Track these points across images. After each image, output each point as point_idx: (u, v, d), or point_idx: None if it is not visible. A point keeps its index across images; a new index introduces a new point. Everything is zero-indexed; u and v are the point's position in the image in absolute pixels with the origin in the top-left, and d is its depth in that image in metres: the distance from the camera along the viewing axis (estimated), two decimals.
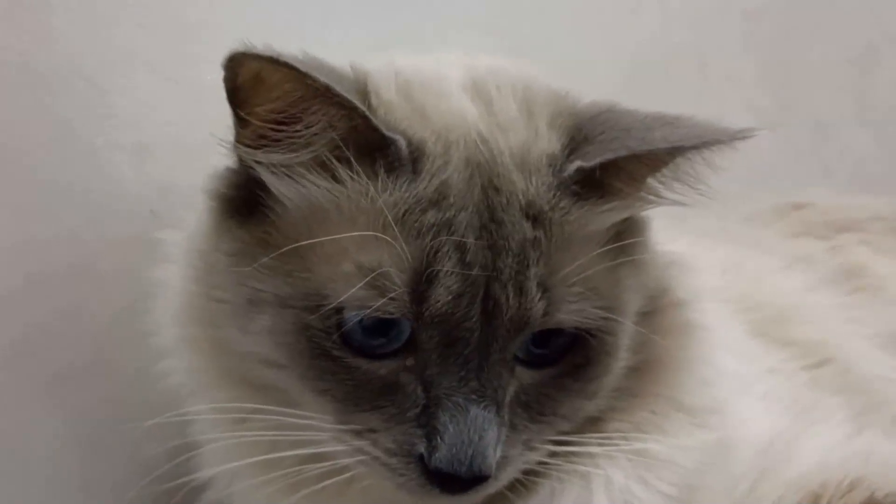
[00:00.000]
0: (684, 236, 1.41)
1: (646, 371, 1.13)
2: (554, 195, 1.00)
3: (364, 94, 1.01)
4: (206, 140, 1.20)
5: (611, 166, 1.00)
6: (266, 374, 1.05)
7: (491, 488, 1.02)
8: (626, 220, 1.08)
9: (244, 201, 1.06)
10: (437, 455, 0.96)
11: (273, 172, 1.02)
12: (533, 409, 1.03)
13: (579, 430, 1.08)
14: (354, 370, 0.99)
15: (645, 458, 1.09)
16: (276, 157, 1.00)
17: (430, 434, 0.97)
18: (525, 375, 1.02)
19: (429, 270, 0.95)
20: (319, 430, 1.02)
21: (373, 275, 0.95)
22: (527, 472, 1.06)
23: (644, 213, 1.13)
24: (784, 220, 1.78)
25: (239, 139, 1.02)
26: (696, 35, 2.12)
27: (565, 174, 1.01)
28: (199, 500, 1.22)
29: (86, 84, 1.37)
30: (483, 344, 0.98)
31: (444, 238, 0.96)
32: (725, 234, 1.63)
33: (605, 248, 1.04)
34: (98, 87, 1.38)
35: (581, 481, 1.08)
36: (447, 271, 0.96)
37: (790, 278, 1.52)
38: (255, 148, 1.01)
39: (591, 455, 1.07)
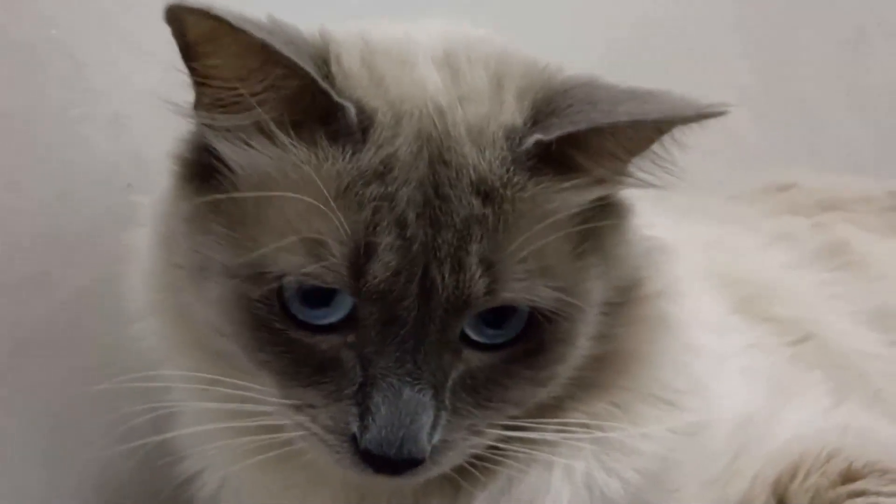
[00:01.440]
0: (666, 214, 1.43)
1: (611, 362, 1.12)
2: (508, 170, 0.98)
3: (324, 59, 1.01)
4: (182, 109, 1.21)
5: (573, 140, 0.98)
6: (219, 343, 1.06)
7: (430, 472, 1.02)
8: (599, 203, 1.06)
9: (202, 167, 1.06)
10: (367, 436, 0.96)
11: (222, 137, 1.02)
12: (480, 394, 1.02)
13: (535, 415, 1.06)
14: (295, 343, 1.00)
15: (607, 446, 1.09)
16: (223, 120, 1.01)
17: (364, 414, 0.97)
18: (474, 358, 1.01)
19: (367, 245, 0.95)
20: (264, 402, 1.03)
21: (311, 245, 0.95)
22: (479, 458, 1.06)
23: (624, 198, 1.10)
24: (769, 199, 1.81)
25: (195, 102, 1.03)
26: (683, 13, 2.14)
27: (523, 147, 0.99)
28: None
29: (61, 55, 1.37)
30: (421, 325, 0.96)
31: (385, 213, 0.96)
32: (708, 211, 1.65)
33: (569, 230, 1.02)
34: (74, 59, 1.38)
35: (540, 469, 1.08)
36: (386, 246, 0.95)
37: (772, 255, 1.55)
38: (206, 110, 1.02)
39: (548, 442, 1.06)
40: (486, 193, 0.97)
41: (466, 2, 1.78)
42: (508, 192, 0.98)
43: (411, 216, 0.96)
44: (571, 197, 1.01)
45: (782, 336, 1.37)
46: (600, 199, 1.05)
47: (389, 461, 0.96)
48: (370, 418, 0.96)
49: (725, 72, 2.28)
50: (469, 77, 1.06)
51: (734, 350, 1.30)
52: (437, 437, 0.98)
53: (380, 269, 0.95)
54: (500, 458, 1.06)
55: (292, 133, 0.98)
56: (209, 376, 1.07)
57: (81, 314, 1.40)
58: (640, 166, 1.03)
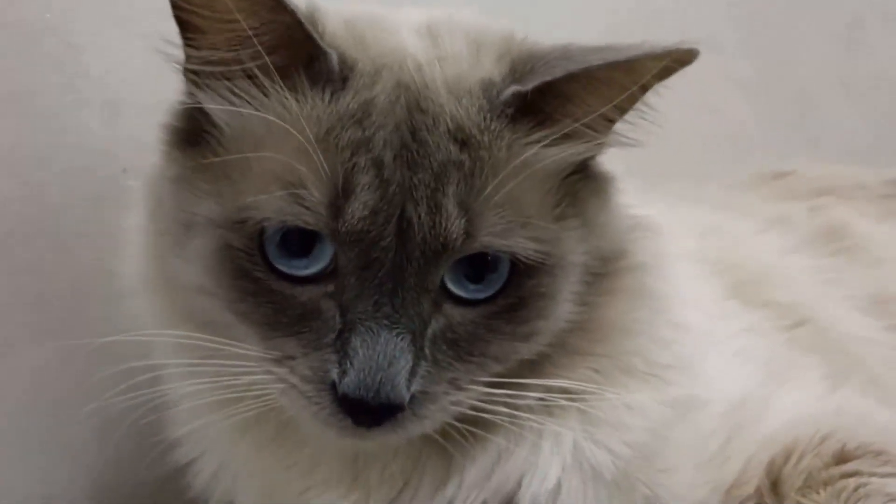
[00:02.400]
0: (661, 199, 1.44)
1: (592, 330, 1.13)
2: (485, 118, 1.02)
3: (310, 19, 1.03)
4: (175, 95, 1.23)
5: (550, 92, 1.01)
6: (203, 305, 1.08)
7: (412, 426, 1.02)
8: (582, 170, 1.10)
9: (189, 132, 1.10)
10: (345, 380, 0.98)
11: (210, 91, 1.06)
12: (461, 347, 1.04)
13: (518, 375, 1.08)
14: (276, 294, 1.02)
15: (594, 419, 1.12)
16: (212, 69, 1.05)
17: (342, 360, 0.99)
18: (455, 313, 1.03)
19: (346, 185, 0.98)
20: (247, 358, 1.04)
21: (292, 188, 0.99)
22: (465, 421, 1.08)
23: (607, 170, 1.14)
24: (765, 186, 1.82)
25: (185, 60, 1.08)
26: (679, 3, 2.15)
27: (500, 98, 1.03)
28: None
29: (55, 40, 1.39)
30: (399, 268, 0.99)
31: (363, 154, 0.99)
32: (703, 197, 1.67)
33: (550, 186, 1.07)
34: (68, 43, 1.40)
35: (529, 444, 1.11)
36: (364, 185, 0.98)
37: (768, 240, 1.56)
38: (196, 64, 1.06)
39: (531, 407, 1.09)
40: (462, 140, 1.01)
41: None
42: (486, 140, 1.02)
43: (388, 157, 1.00)
44: (550, 150, 1.04)
45: (778, 321, 1.38)
46: (583, 164, 1.10)
47: (367, 408, 0.98)
48: (348, 363, 0.98)
49: (723, 61, 2.27)
50: (448, 42, 1.11)
51: (729, 333, 1.31)
52: (416, 386, 1.00)
53: (358, 208, 0.98)
54: (486, 421, 1.08)
55: (276, 78, 1.01)
56: (197, 343, 1.08)
57: (77, 299, 1.42)
58: (614, 114, 1.06)
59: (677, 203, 1.52)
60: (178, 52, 1.07)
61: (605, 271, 1.13)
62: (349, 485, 1.15)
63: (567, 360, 1.13)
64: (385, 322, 0.99)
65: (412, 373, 1.00)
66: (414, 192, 0.99)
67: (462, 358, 1.04)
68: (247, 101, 1.03)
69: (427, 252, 0.99)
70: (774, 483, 1.17)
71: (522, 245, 1.03)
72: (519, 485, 1.12)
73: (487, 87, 1.04)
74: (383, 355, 0.98)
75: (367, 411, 0.98)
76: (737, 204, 1.69)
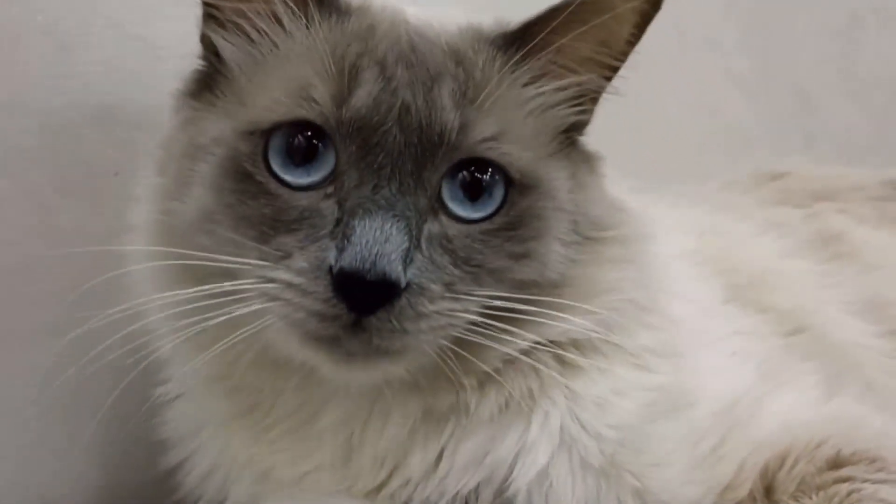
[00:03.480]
0: (661, 199, 1.51)
1: (579, 286, 1.17)
2: (478, 45, 1.15)
3: None
4: (170, 97, 1.24)
5: (531, 33, 1.14)
6: (201, 239, 1.11)
7: (409, 326, 1.04)
8: (570, 131, 1.21)
9: (201, 82, 1.20)
10: (344, 256, 1.02)
11: (227, 31, 1.17)
12: (458, 255, 1.09)
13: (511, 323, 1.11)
14: (276, 197, 1.08)
15: (580, 398, 1.17)
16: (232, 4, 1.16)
17: (340, 242, 1.04)
18: (452, 227, 1.10)
19: (350, 80, 1.09)
20: (243, 268, 1.07)
21: (300, 90, 1.09)
22: (457, 356, 1.11)
23: (595, 150, 1.24)
24: (762, 188, 1.84)
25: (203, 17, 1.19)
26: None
27: (492, 35, 1.16)
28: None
29: (46, 40, 1.40)
30: (398, 153, 1.07)
31: (367, 57, 1.11)
32: (701, 198, 1.69)
33: (542, 125, 1.17)
34: (59, 44, 1.41)
35: (519, 423, 1.16)
36: (367, 78, 1.09)
37: (766, 243, 1.59)
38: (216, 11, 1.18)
39: (523, 352, 1.14)
40: (457, 59, 1.14)
41: None
42: (479, 61, 1.14)
43: (391, 59, 1.12)
44: (539, 83, 1.16)
45: (777, 326, 1.41)
46: (572, 129, 1.21)
47: (364, 283, 1.01)
48: (346, 241, 1.03)
49: (719, 58, 2.30)
50: (446, 18, 1.22)
51: (725, 334, 1.34)
52: (412, 272, 1.05)
53: (362, 96, 1.09)
54: (476, 366, 1.13)
55: (291, 11, 1.13)
56: (188, 296, 1.10)
57: (71, 303, 1.42)
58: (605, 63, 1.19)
59: (676, 203, 1.56)
60: None
61: (593, 236, 1.20)
62: (341, 469, 1.19)
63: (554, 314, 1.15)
64: (383, 203, 1.05)
65: (408, 256, 1.05)
66: (414, 88, 1.10)
67: (458, 265, 1.09)
68: (263, 33, 1.15)
69: (424, 140, 1.08)
70: (768, 488, 1.19)
71: (515, 155, 1.13)
72: (511, 469, 1.15)
73: (478, 28, 1.18)
74: (380, 232, 1.03)
75: (364, 288, 1.01)
76: (735, 205, 1.71)
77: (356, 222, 1.03)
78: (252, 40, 1.16)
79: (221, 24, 1.18)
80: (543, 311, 1.12)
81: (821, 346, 1.42)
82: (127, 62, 1.46)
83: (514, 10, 1.20)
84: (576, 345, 1.18)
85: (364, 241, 1.02)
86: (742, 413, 1.23)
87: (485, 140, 1.11)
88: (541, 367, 1.15)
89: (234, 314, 1.06)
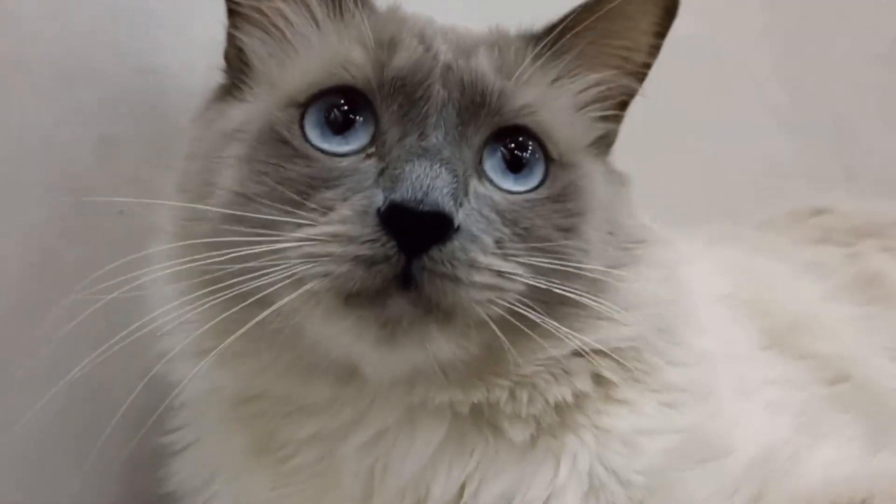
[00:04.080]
0: (696, 240, 1.49)
1: (618, 295, 1.16)
2: (508, 39, 1.20)
3: None
4: (175, 131, 1.20)
5: (558, 35, 1.18)
6: (235, 230, 1.07)
7: (459, 268, 1.02)
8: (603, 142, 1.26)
9: (223, 90, 1.23)
10: (395, 192, 1.01)
11: (251, 25, 1.21)
12: (506, 217, 1.09)
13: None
14: (314, 160, 1.09)
15: (610, 433, 1.15)
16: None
17: (387, 185, 1.03)
18: (496, 193, 1.10)
19: (390, 44, 1.13)
20: (281, 237, 1.04)
21: (336, 55, 1.13)
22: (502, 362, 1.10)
23: (623, 171, 1.28)
24: (801, 226, 1.80)
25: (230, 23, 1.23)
26: (708, 26, 2.10)
27: (518, 35, 1.21)
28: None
29: (48, 71, 1.37)
30: (442, 105, 1.09)
31: (405, 29, 1.16)
32: (737, 238, 1.66)
33: (575, 120, 1.22)
34: (61, 76, 1.38)
35: (547, 463, 1.13)
36: (406, 44, 1.13)
37: (805, 286, 1.55)
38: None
39: (557, 381, 1.14)
40: (491, 43, 1.19)
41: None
42: (511, 50, 1.18)
43: (428, 33, 1.18)
44: (570, 79, 1.21)
45: (816, 373, 1.37)
46: (602, 140, 1.26)
47: (416, 218, 0.99)
48: (393, 182, 1.02)
49: (756, 88, 2.27)
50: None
51: (762, 382, 1.30)
52: (462, 215, 1.03)
53: (403, 57, 1.12)
54: (522, 350, 1.10)
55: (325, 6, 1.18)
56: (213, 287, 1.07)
57: (72, 344, 1.38)
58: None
59: (712, 244, 1.54)
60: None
61: (628, 247, 1.21)
62: None
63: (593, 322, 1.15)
64: (430, 148, 1.06)
65: (457, 199, 1.03)
66: (453, 53, 1.15)
67: (507, 224, 1.08)
68: (294, 25, 1.19)
69: (466, 98, 1.11)
70: None
71: (554, 128, 1.16)
72: None
73: (505, 29, 1.24)
74: (430, 169, 1.02)
75: (416, 221, 1.00)
76: (773, 245, 1.68)
77: (403, 165, 1.03)
78: (282, 32, 1.19)
79: (247, 20, 1.21)
80: (585, 311, 1.12)
81: (863, 395, 1.37)
82: (131, 94, 1.43)
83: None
84: (613, 356, 1.16)
85: (415, 176, 1.01)
86: (780, 465, 1.19)
87: (525, 107, 1.14)
88: (577, 377, 1.14)
89: (268, 278, 1.03)
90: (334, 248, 1.01)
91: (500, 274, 1.04)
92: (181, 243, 1.12)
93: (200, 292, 1.09)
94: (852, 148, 2.38)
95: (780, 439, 1.21)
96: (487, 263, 1.03)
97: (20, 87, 1.34)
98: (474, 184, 1.09)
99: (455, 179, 1.03)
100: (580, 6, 1.18)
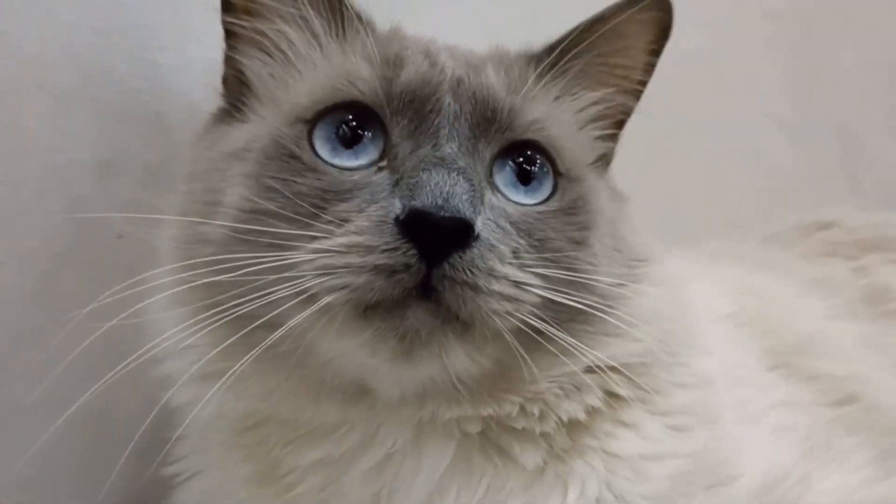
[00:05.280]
0: (698, 259, 1.48)
1: (627, 310, 1.16)
2: (510, 59, 1.22)
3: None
4: (175, 154, 1.19)
5: (557, 54, 1.19)
6: (242, 249, 1.06)
7: (479, 276, 1.01)
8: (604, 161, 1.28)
9: (224, 113, 1.23)
10: (415, 200, 1.01)
11: (251, 47, 1.21)
12: (520, 228, 1.09)
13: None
14: (324, 173, 1.08)
15: (617, 457, 1.14)
16: (271, 26, 1.20)
17: (405, 194, 1.03)
18: (509, 205, 1.11)
19: (396, 61, 1.13)
20: (293, 252, 1.03)
21: (345, 74, 1.13)
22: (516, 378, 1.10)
23: (622, 190, 1.29)
24: (807, 240, 1.78)
25: (228, 45, 1.23)
26: (711, 38, 2.10)
27: (519, 54, 1.23)
28: None
29: (45, 95, 1.36)
30: (454, 117, 1.10)
31: (410, 46, 1.18)
32: (740, 255, 1.64)
33: (579, 139, 1.23)
34: (58, 99, 1.37)
35: (556, 491, 1.12)
36: (413, 60, 1.15)
37: (811, 303, 1.53)
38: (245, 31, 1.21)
39: (568, 397, 1.13)
40: (495, 61, 1.20)
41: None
42: (514, 68, 1.19)
43: (433, 49, 1.20)
44: (571, 98, 1.22)
45: (824, 395, 1.35)
46: (601, 159, 1.27)
47: (437, 224, 0.99)
48: (411, 190, 1.02)
49: (760, 99, 2.25)
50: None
51: (767, 405, 1.29)
52: (480, 223, 1.03)
53: (411, 72, 1.13)
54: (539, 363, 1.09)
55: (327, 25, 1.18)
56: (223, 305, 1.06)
57: (72, 368, 1.38)
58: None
59: (715, 263, 1.53)
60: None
61: (632, 263, 1.21)
62: None
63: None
64: (445, 157, 1.06)
65: (475, 206, 1.04)
66: (461, 69, 1.16)
67: (522, 235, 1.09)
68: (295, 45, 1.19)
69: (477, 112, 1.12)
70: None
71: (562, 142, 1.17)
72: None
73: (505, 49, 1.25)
74: (447, 177, 1.03)
75: (436, 228, 1.00)
76: (777, 262, 1.66)
77: (420, 174, 1.03)
78: (284, 53, 1.19)
79: (248, 42, 1.21)
80: (594, 326, 1.12)
81: (872, 417, 1.35)
82: (130, 116, 1.42)
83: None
84: (623, 372, 1.15)
85: (433, 183, 1.01)
86: (788, 492, 1.18)
87: (534, 122, 1.15)
88: (588, 393, 1.14)
89: (280, 295, 1.02)
90: (352, 259, 1.00)
91: (516, 284, 1.04)
92: (182, 263, 1.11)
93: (204, 315, 1.07)
94: (857, 158, 2.37)
95: (788, 465, 1.20)
96: (505, 273, 1.03)
97: (18, 110, 1.34)
98: (488, 195, 1.09)
99: (472, 188, 1.04)
100: (579, 26, 1.20)
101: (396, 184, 1.05)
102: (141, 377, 1.11)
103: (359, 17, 1.18)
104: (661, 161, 1.55)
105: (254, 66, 1.21)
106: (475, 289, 1.01)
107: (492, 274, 1.02)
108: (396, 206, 1.02)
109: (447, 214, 0.99)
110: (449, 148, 1.07)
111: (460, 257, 1.00)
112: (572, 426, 1.14)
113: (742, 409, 1.25)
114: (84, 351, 1.31)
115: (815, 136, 2.31)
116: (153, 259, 1.19)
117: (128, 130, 1.42)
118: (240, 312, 1.03)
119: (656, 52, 1.26)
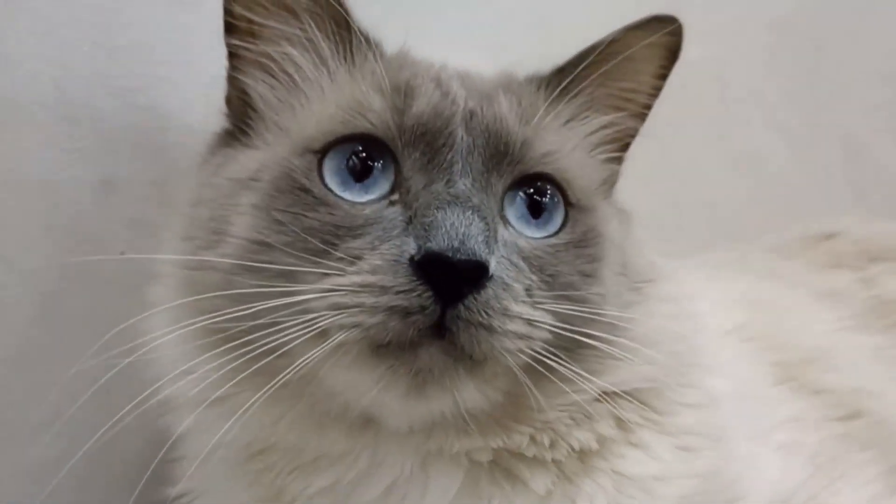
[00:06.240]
0: (703, 270, 1.47)
1: (634, 334, 1.15)
2: (519, 84, 1.21)
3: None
4: (177, 171, 1.19)
5: (562, 76, 1.19)
6: (248, 281, 1.05)
7: (493, 316, 1.01)
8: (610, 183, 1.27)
9: (229, 136, 1.21)
10: (430, 242, 0.99)
11: (260, 71, 1.19)
12: (532, 263, 1.08)
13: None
14: (336, 207, 1.06)
15: (627, 478, 1.13)
16: (278, 49, 1.18)
17: (420, 234, 1.01)
18: (521, 239, 1.10)
19: (407, 91, 1.12)
20: (303, 288, 1.02)
21: (355, 105, 1.11)
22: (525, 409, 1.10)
23: (627, 208, 1.28)
24: (812, 251, 1.76)
25: (232, 63, 1.21)
26: (714, 48, 2.09)
27: (527, 78, 1.23)
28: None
29: (48, 112, 1.36)
30: (467, 151, 1.09)
31: (421, 73, 1.17)
32: (746, 266, 1.64)
33: (590, 164, 1.22)
34: (60, 117, 1.37)
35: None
36: (424, 90, 1.13)
37: (818, 316, 1.52)
38: (249, 51, 1.19)
39: (578, 425, 1.12)
40: (505, 87, 1.19)
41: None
42: (524, 92, 1.19)
43: (444, 77, 1.18)
44: (581, 121, 1.22)
45: (831, 410, 1.34)
46: (608, 181, 1.26)
47: (453, 267, 0.98)
48: (426, 230, 1.01)
49: (763, 111, 2.25)
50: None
51: (775, 422, 1.28)
52: (494, 264, 1.02)
53: (422, 104, 1.11)
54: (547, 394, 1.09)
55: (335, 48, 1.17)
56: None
57: (80, 389, 1.37)
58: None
59: (720, 275, 1.52)
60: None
61: (639, 286, 1.21)
62: None
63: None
64: (459, 195, 1.05)
65: (490, 246, 1.03)
66: (473, 98, 1.14)
67: (534, 272, 1.08)
68: (302, 69, 1.17)
69: (490, 146, 1.10)
70: None
71: (572, 173, 1.16)
72: None
73: (513, 73, 1.25)
74: (462, 217, 1.02)
75: (452, 270, 0.99)
76: (783, 273, 1.65)
77: (435, 213, 1.02)
78: (291, 77, 1.18)
79: (254, 65, 1.19)
80: (602, 353, 1.10)
81: (880, 431, 1.34)
82: (132, 134, 1.42)
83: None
84: (633, 397, 1.16)
85: (449, 224, 1.00)
86: None
87: (547, 154, 1.14)
88: (599, 421, 1.14)
89: (291, 332, 1.00)
90: (365, 299, 0.99)
91: (529, 322, 1.04)
92: (189, 299, 1.09)
93: (213, 352, 1.06)
94: (862, 167, 2.35)
95: (796, 482, 1.20)
96: (519, 312, 1.03)
97: (19, 128, 1.34)
98: (501, 230, 1.08)
99: (486, 227, 1.03)
100: (589, 49, 1.19)
101: (410, 221, 1.04)
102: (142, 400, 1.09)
103: (367, 40, 1.16)
104: (665, 170, 1.54)
105: (259, 88, 1.19)
106: (489, 329, 1.00)
107: (506, 314, 1.02)
108: (411, 246, 1.01)
109: (463, 257, 0.98)
110: (462, 184, 1.06)
111: (475, 298, 0.99)
112: (584, 452, 1.13)
113: (749, 426, 1.24)
114: (85, 372, 1.31)
115: (820, 145, 2.30)
116: (154, 280, 1.19)
117: (129, 147, 1.42)
118: (249, 350, 1.02)
119: (664, 75, 1.26)
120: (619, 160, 1.28)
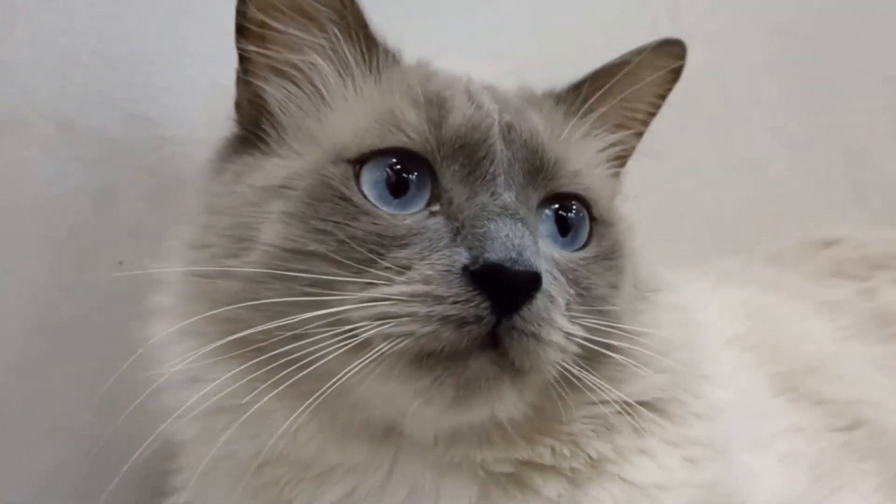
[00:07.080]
0: (705, 280, 1.48)
1: (647, 343, 1.15)
2: (539, 98, 1.24)
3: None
4: (176, 180, 1.18)
5: (577, 93, 1.23)
6: (277, 288, 1.04)
7: (543, 328, 1.01)
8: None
9: (243, 142, 1.19)
10: (487, 253, 1.00)
11: (279, 77, 1.18)
12: (569, 276, 1.10)
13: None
14: (378, 217, 1.06)
15: (634, 486, 1.13)
16: (300, 58, 1.18)
17: (473, 244, 1.02)
18: (556, 253, 1.11)
19: (441, 105, 1.12)
20: (343, 297, 1.01)
21: (386, 113, 1.11)
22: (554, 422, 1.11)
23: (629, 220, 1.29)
24: (813, 259, 1.76)
25: (244, 68, 1.19)
26: (715, 53, 2.09)
27: (544, 93, 1.26)
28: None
29: (46, 122, 1.36)
30: (509, 165, 1.10)
31: (453, 86, 1.17)
32: (747, 276, 1.64)
33: (607, 181, 1.26)
34: (60, 126, 1.37)
35: None
36: (458, 104, 1.13)
37: (819, 326, 1.52)
38: (266, 60, 1.18)
39: (598, 435, 1.13)
40: (529, 101, 1.22)
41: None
42: (546, 107, 1.22)
43: (474, 89, 1.18)
44: (595, 138, 1.24)
45: (832, 420, 1.34)
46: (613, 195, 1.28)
47: (510, 278, 0.99)
48: (479, 241, 1.01)
49: (764, 116, 2.25)
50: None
51: (775, 433, 1.28)
52: (543, 270, 1.02)
53: (458, 116, 1.11)
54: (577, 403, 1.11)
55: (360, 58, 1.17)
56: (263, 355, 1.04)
57: (76, 400, 1.38)
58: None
59: (721, 285, 1.53)
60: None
61: (646, 295, 1.23)
62: None
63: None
64: (506, 206, 1.06)
65: (539, 259, 1.03)
66: (507, 111, 1.15)
67: (571, 285, 1.10)
68: (326, 77, 1.17)
69: (528, 160, 1.12)
70: None
71: (596, 191, 1.18)
72: None
73: (531, 88, 1.27)
74: (514, 229, 1.02)
75: (510, 281, 0.99)
76: (784, 283, 1.65)
77: (487, 224, 1.03)
78: (314, 85, 1.17)
79: (274, 71, 1.18)
80: (622, 364, 1.12)
81: (881, 441, 1.34)
82: (130, 143, 1.41)
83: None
84: (652, 405, 1.16)
85: (504, 235, 1.01)
86: None
87: (576, 173, 1.16)
88: (619, 432, 1.14)
89: (325, 343, 1.00)
90: (417, 308, 0.99)
91: (567, 336, 1.05)
92: (206, 314, 1.07)
93: (229, 362, 1.06)
94: (863, 173, 2.35)
95: (797, 493, 1.20)
96: (561, 324, 1.04)
97: (18, 139, 1.34)
98: (541, 242, 1.09)
99: (534, 239, 1.04)
100: (603, 69, 1.23)
101: (457, 231, 1.04)
102: (142, 407, 1.09)
103: (390, 51, 1.18)
104: (666, 175, 1.54)
105: (277, 94, 1.18)
106: (538, 339, 1.01)
107: (552, 325, 1.02)
108: (464, 256, 1.01)
109: (521, 268, 0.99)
110: (508, 197, 1.07)
111: (528, 309, 1.00)
112: (598, 460, 1.13)
113: (751, 436, 1.24)
114: (85, 379, 1.31)
115: (821, 150, 2.30)
116: (155, 288, 1.17)
117: (128, 156, 1.41)
118: (272, 356, 1.02)
119: (666, 95, 1.30)
120: (618, 175, 1.30)
